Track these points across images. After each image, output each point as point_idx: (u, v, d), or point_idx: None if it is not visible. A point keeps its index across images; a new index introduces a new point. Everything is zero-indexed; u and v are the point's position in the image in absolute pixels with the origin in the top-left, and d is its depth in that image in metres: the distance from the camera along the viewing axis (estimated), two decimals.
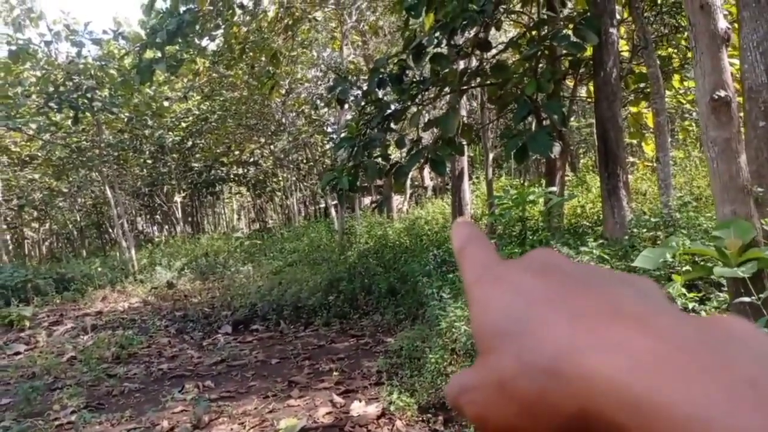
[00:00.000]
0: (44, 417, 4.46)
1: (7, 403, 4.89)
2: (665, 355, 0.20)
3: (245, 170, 22.18)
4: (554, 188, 5.07)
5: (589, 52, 6.44)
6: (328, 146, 19.57)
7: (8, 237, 19.38)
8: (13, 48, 9.98)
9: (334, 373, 5.01)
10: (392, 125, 7.62)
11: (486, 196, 8.95)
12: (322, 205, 21.07)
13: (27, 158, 17.30)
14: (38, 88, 12.69)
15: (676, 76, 7.52)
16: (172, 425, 4.10)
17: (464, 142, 8.24)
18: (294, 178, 21.09)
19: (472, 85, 7.90)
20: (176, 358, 6.14)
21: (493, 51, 7.98)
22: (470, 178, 11.34)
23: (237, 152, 20.44)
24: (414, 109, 7.59)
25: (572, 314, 0.23)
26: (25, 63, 12.07)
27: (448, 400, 0.27)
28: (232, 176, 22.06)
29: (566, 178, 8.14)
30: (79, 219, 21.62)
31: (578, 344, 0.21)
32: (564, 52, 6.54)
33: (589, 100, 8.53)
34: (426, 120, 9.34)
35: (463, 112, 11.24)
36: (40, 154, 17.01)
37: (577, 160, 13.57)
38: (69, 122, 13.06)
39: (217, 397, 4.64)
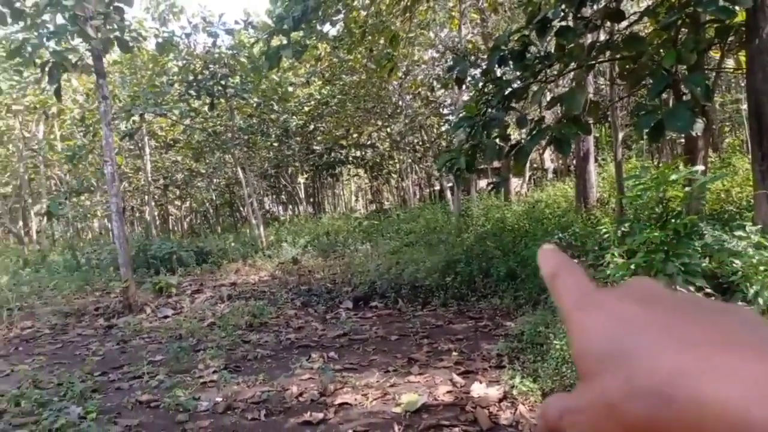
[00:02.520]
0: (191, 374, 4.95)
1: (161, 360, 5.49)
2: None
3: (363, 152, 22.78)
4: (700, 167, 4.66)
5: (741, 17, 5.76)
6: (444, 128, 19.48)
7: (156, 214, 21.59)
8: (160, 41, 10.96)
9: (454, 354, 5.04)
10: (513, 104, 7.38)
11: (614, 178, 8.42)
12: (437, 188, 21.09)
13: (171, 142, 19.11)
14: (180, 77, 13.90)
15: None
16: (300, 391, 4.36)
17: (591, 121, 7.79)
18: (410, 161, 21.30)
19: (601, 59, 7.42)
20: (302, 329, 6.51)
21: (625, 22, 7.42)
22: (596, 160, 10.73)
23: (355, 135, 21.03)
24: (536, 87, 7.29)
25: (681, 341, 0.23)
26: (169, 54, 13.25)
27: (543, 421, 0.27)
28: (350, 158, 22.75)
29: (708, 159, 7.42)
30: (214, 198, 23.56)
31: (691, 370, 0.21)
32: (710, 18, 5.90)
33: (738, 72, 7.67)
34: (549, 98, 8.94)
35: (590, 89, 10.61)
36: (181, 138, 18.71)
37: (720, 139, 12.31)
38: (206, 108, 14.19)
39: (341, 368, 4.86)
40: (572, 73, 7.86)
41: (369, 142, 22.01)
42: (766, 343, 0.22)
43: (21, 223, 21.26)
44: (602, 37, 7.64)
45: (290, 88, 17.55)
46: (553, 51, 6.71)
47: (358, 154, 22.80)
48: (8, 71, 15.12)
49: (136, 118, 13.77)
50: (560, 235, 5.92)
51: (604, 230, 5.00)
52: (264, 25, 13.63)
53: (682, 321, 0.24)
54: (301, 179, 21.85)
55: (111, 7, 8.05)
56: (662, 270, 3.55)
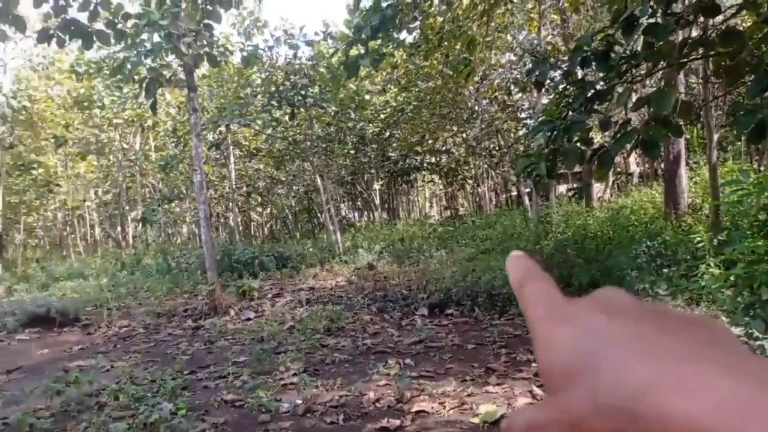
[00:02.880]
0: (272, 375, 5.11)
1: (244, 361, 5.71)
2: (749, 399, 0.19)
3: (438, 158, 22.72)
4: None
5: None
6: (521, 132, 19.08)
7: (239, 220, 22.59)
8: (245, 54, 11.49)
9: (533, 365, 4.89)
10: (596, 106, 7.11)
11: (708, 183, 7.88)
12: (514, 193, 20.67)
13: (254, 151, 19.95)
14: (263, 88, 14.49)
15: None
16: (377, 397, 4.39)
17: (682, 122, 7.36)
18: (486, 166, 21.02)
19: (694, 57, 6.99)
20: (378, 335, 6.56)
21: (721, 17, 6.95)
22: (687, 163, 10.10)
23: (430, 141, 21.02)
24: (621, 88, 6.98)
25: (649, 355, 0.22)
26: (253, 67, 13.86)
27: None
28: (425, 165, 22.76)
29: None
30: (293, 204, 24.32)
31: (658, 385, 0.21)
32: None
33: None
34: (635, 99, 8.52)
35: (680, 89, 10.01)
36: (263, 147, 19.49)
37: None
38: (287, 118, 14.69)
39: (417, 375, 4.84)
40: (661, 72, 7.47)
41: (444, 148, 21.93)
42: (734, 358, 0.21)
43: (119, 228, 22.92)
44: (695, 33, 7.20)
45: (367, 96, 17.84)
46: (640, 50, 6.41)
47: (433, 160, 22.77)
48: (110, 87, 16.40)
49: (223, 128, 14.49)
50: (648, 243, 5.61)
51: (698, 239, 4.69)
52: (342, 35, 13.94)
53: (651, 333, 0.23)
54: (376, 186, 22.10)
55: (201, 25, 8.54)
56: (766, 282, 3.28)
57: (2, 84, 17.73)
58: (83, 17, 7.05)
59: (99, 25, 7.33)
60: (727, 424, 0.19)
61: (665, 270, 4.93)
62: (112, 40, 7.57)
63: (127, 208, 21.42)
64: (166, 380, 4.94)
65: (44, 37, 6.92)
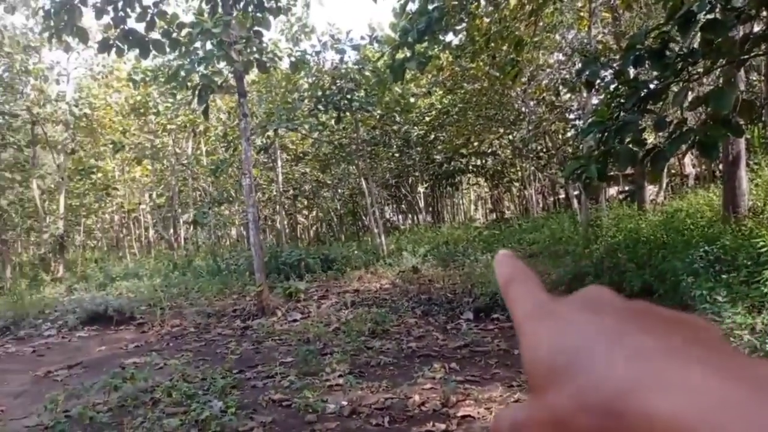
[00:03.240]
0: (318, 377, 5.17)
1: (290, 362, 5.81)
2: (734, 398, 0.19)
3: (483, 161, 22.49)
4: None
5: None
6: (569, 134, 18.67)
7: (286, 222, 22.98)
8: (293, 60, 11.69)
9: None
10: (650, 106, 6.88)
11: None
12: (562, 196, 20.25)
13: (301, 154, 20.28)
14: (309, 93, 14.71)
15: None
16: (423, 400, 4.38)
17: (742, 122, 7.03)
18: (533, 168, 20.66)
19: (756, 53, 6.66)
20: (423, 339, 6.54)
21: None
22: (747, 164, 9.63)
23: (476, 143, 20.84)
24: (676, 87, 6.72)
25: (633, 353, 0.22)
26: (300, 72, 14.08)
27: None
28: (470, 167, 22.56)
29: None
30: (339, 207, 24.56)
31: (642, 383, 0.20)
32: None
33: None
34: (692, 98, 8.17)
35: (741, 86, 9.56)
36: (310, 151, 19.79)
37: None
38: (333, 122, 14.86)
39: (462, 379, 4.80)
40: (720, 69, 7.16)
41: (490, 150, 21.69)
42: (719, 357, 0.21)
43: (172, 230, 23.71)
44: (757, 28, 6.87)
45: (412, 99, 17.85)
46: (698, 47, 6.16)
47: (479, 162, 22.56)
48: (165, 95, 17.01)
49: (271, 133, 14.78)
50: (706, 247, 5.37)
51: (761, 243, 4.46)
52: (388, 38, 13.97)
53: (636, 331, 0.23)
54: (420, 188, 22.09)
55: (251, 32, 8.75)
56: None
57: (65, 92, 18.66)
58: (141, 28, 7.36)
59: (155, 35, 7.63)
60: (711, 422, 0.19)
61: (724, 276, 4.71)
62: (167, 49, 7.86)
63: (179, 210, 22.13)
64: (216, 379, 5.07)
65: (105, 47, 7.25)
